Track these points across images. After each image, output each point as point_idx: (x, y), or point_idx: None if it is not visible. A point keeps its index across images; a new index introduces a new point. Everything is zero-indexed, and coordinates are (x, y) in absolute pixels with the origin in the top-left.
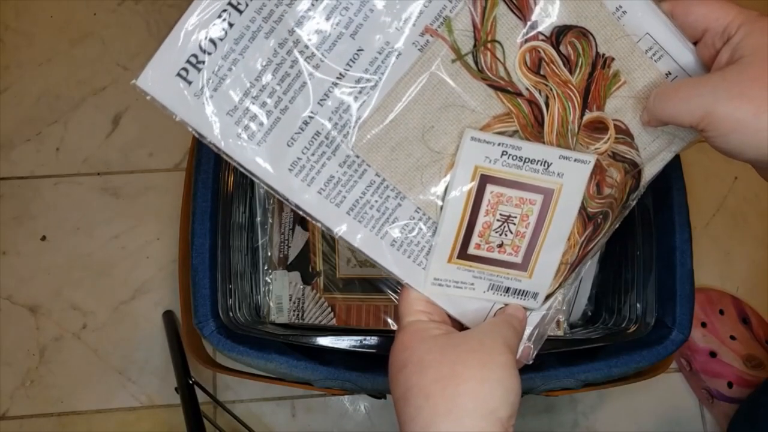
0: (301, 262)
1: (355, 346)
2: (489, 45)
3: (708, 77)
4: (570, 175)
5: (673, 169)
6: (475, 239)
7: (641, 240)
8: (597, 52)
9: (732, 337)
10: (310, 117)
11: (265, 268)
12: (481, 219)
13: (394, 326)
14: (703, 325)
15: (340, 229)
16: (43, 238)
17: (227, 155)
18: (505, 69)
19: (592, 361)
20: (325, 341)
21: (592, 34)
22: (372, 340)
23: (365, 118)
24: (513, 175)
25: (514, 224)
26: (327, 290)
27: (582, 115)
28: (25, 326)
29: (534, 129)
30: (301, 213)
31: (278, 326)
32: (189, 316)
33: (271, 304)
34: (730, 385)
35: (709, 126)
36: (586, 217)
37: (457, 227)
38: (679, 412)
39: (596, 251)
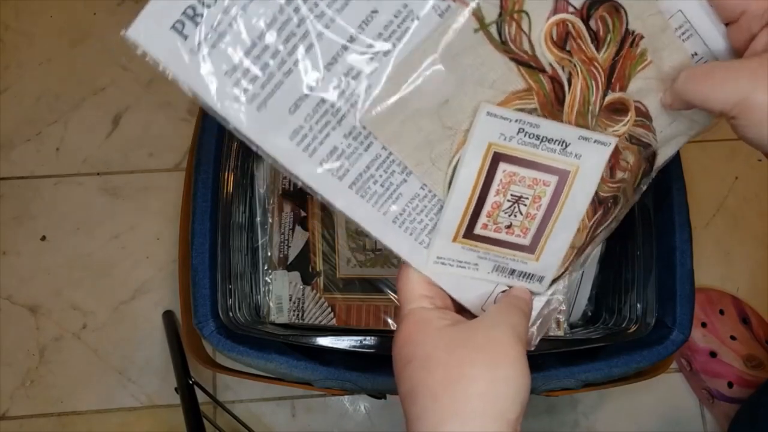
0: (301, 262)
1: (355, 346)
2: (515, 15)
3: (745, 62)
4: (588, 157)
5: (673, 169)
6: (482, 219)
7: (641, 240)
8: (627, 29)
9: (732, 337)
10: (316, 82)
11: (265, 268)
12: (491, 198)
13: (394, 326)
14: (704, 325)
15: (341, 204)
16: (43, 238)
17: (223, 119)
18: (530, 42)
19: (592, 361)
20: (325, 341)
21: (624, 9)
22: (372, 340)
23: (375, 87)
24: (528, 154)
25: (525, 205)
26: (327, 290)
27: (605, 95)
28: (25, 326)
29: (554, 108)
30: (300, 184)
31: (278, 326)
32: (189, 316)
33: (271, 304)
34: (730, 385)
35: (741, 114)
36: (597, 201)
37: (465, 206)
38: (679, 412)
39: (604, 237)
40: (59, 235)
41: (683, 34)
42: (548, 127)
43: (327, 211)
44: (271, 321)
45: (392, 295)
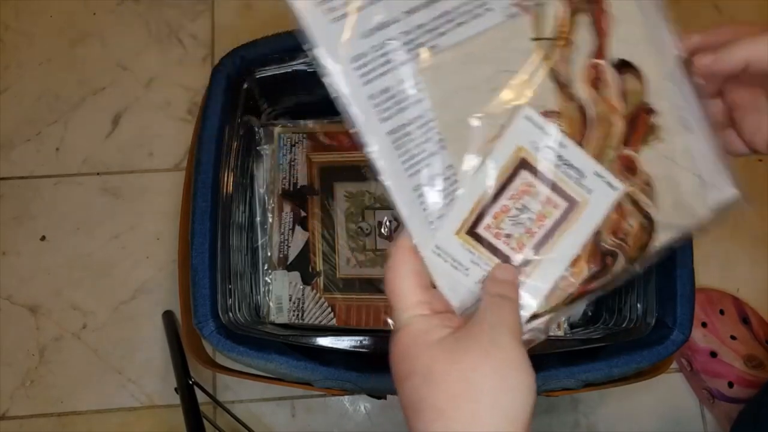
0: (301, 262)
1: (355, 346)
2: (565, 41)
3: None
4: (597, 195)
5: None
6: (488, 219)
7: None
8: (643, 100)
9: (732, 337)
10: (388, 22)
11: (265, 268)
12: (502, 201)
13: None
14: (704, 325)
15: (373, 149)
16: (43, 238)
17: (299, 18)
18: (570, 70)
19: (592, 361)
20: (325, 341)
21: (646, 80)
22: (372, 340)
23: (442, 46)
24: (548, 171)
25: (531, 220)
26: (327, 290)
27: (619, 146)
28: (25, 326)
29: (575, 140)
30: (340, 106)
31: (278, 326)
32: (189, 316)
33: (271, 304)
34: (730, 385)
35: None
36: (598, 249)
37: (477, 200)
38: (679, 412)
39: (597, 294)
40: (59, 235)
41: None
42: (573, 152)
43: (327, 212)
44: (271, 321)
45: None
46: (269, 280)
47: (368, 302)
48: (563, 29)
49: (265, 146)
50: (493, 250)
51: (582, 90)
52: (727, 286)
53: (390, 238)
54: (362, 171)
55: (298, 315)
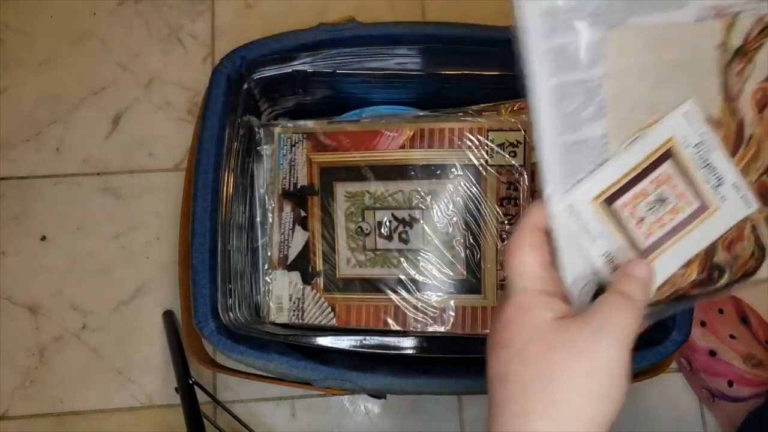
0: (301, 262)
1: (355, 346)
2: (748, 57)
3: None
4: (729, 206)
5: None
6: (626, 198)
7: None
8: None
9: (732, 336)
10: None
11: (265, 268)
12: (644, 185)
13: (394, 326)
14: (703, 324)
15: (536, 97)
16: (43, 238)
17: None
18: (742, 86)
19: None
20: (325, 341)
21: None
22: (372, 340)
23: (629, 24)
24: (691, 169)
25: (664, 210)
26: (327, 290)
27: (763, 173)
28: (25, 326)
29: (725, 150)
30: (520, 57)
31: (278, 326)
32: (189, 316)
33: (271, 304)
34: (730, 384)
35: None
36: (709, 260)
37: (623, 174)
38: (679, 411)
39: (690, 304)
40: (59, 235)
41: None
42: (718, 158)
43: (327, 212)
44: (272, 321)
45: (392, 296)
46: (269, 280)
47: (368, 302)
48: (750, 45)
49: (265, 146)
50: (623, 229)
51: (746, 108)
52: None
53: (390, 237)
54: (362, 171)
55: (298, 315)
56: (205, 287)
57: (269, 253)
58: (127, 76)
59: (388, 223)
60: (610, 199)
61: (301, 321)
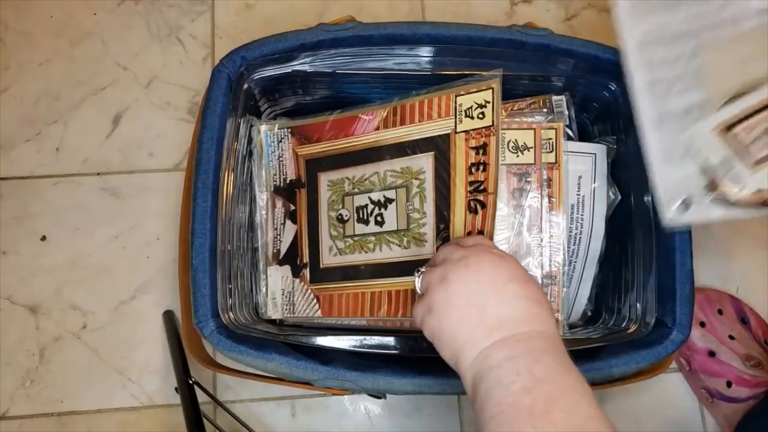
0: (291, 256)
1: (355, 346)
2: None
3: None
4: None
5: None
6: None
7: (641, 240)
8: None
9: (731, 337)
10: None
11: (261, 266)
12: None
13: (368, 316)
14: (702, 324)
15: (631, 55)
16: (43, 238)
17: None
18: None
19: (592, 361)
20: (325, 341)
21: None
22: (372, 340)
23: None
24: None
25: None
26: (312, 281)
27: None
28: (25, 326)
29: None
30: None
31: (278, 326)
32: (189, 316)
33: (267, 299)
34: (729, 384)
35: None
36: None
37: (746, 109)
38: (679, 412)
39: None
40: (59, 235)
41: None
42: None
43: (312, 203)
44: (268, 317)
45: (369, 282)
46: (264, 277)
47: (348, 290)
48: None
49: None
50: (741, 150)
51: None
52: (726, 285)
53: (367, 221)
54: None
55: (290, 309)
56: (205, 287)
57: (266, 251)
58: (127, 76)
59: (365, 208)
60: (731, 126)
61: (292, 315)
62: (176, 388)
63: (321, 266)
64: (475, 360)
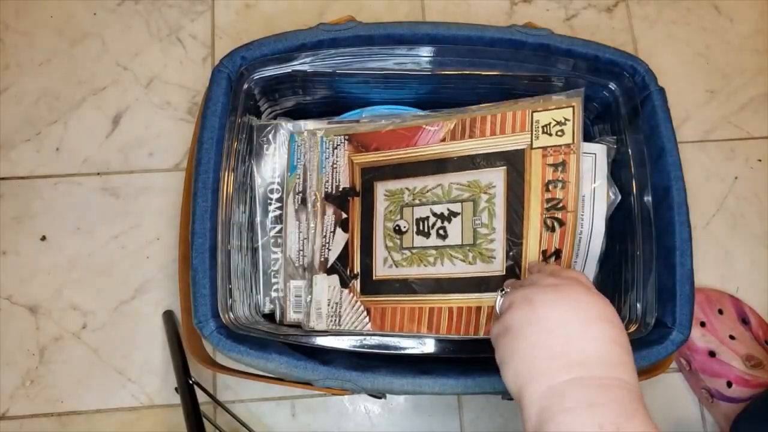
0: (339, 266)
1: (355, 346)
2: None
3: None
4: None
5: (673, 169)
6: None
7: (641, 240)
8: None
9: (731, 337)
10: None
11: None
12: None
13: (427, 332)
14: (702, 324)
15: None
16: (43, 238)
17: None
18: None
19: None
20: (325, 341)
21: None
22: (372, 340)
23: None
24: None
25: None
26: (363, 293)
27: None
28: (25, 326)
29: None
30: None
31: (278, 326)
32: (189, 316)
33: (311, 309)
34: (729, 384)
35: None
36: None
37: None
38: (679, 412)
39: None
40: (59, 235)
41: None
42: None
43: (367, 211)
44: (311, 328)
45: (428, 297)
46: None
47: (403, 304)
48: None
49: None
50: None
51: None
52: (726, 285)
53: (428, 234)
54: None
55: (335, 321)
56: (205, 287)
57: (312, 257)
58: (127, 76)
59: (426, 220)
60: None
61: (338, 327)
62: (176, 388)
63: (374, 278)
64: (544, 394)
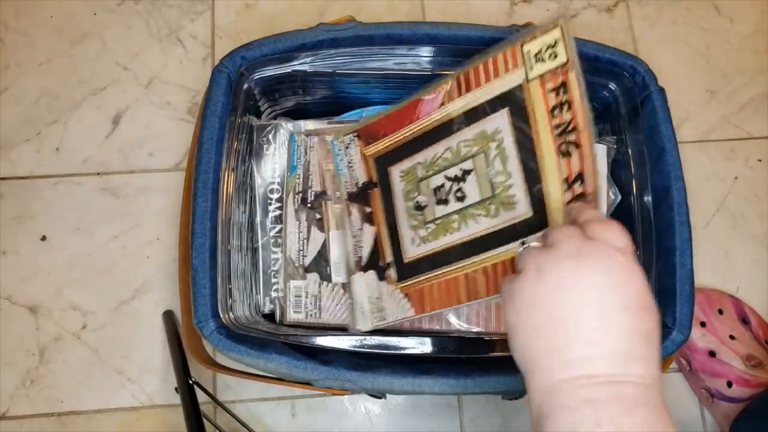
0: (374, 260)
1: (355, 346)
2: None
3: None
4: None
5: (673, 169)
6: None
7: (641, 240)
8: None
9: (731, 337)
10: None
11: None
12: None
13: (466, 301)
14: (702, 324)
15: None
16: (43, 238)
17: None
18: None
19: None
20: (325, 341)
21: None
22: (372, 340)
23: None
24: None
25: None
26: (399, 279)
27: None
28: (25, 326)
29: None
30: None
31: (278, 326)
32: (189, 316)
33: (355, 311)
34: (729, 384)
35: None
36: None
37: None
38: (679, 412)
39: None
40: (59, 235)
41: None
42: None
43: (387, 198)
44: (358, 330)
45: (459, 264)
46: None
47: (439, 278)
48: None
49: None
50: None
51: None
52: (726, 285)
53: (446, 201)
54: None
55: (380, 316)
56: (205, 287)
57: (347, 260)
58: (127, 76)
59: (442, 187)
60: None
61: (384, 321)
62: (176, 388)
63: (405, 261)
64: (544, 391)
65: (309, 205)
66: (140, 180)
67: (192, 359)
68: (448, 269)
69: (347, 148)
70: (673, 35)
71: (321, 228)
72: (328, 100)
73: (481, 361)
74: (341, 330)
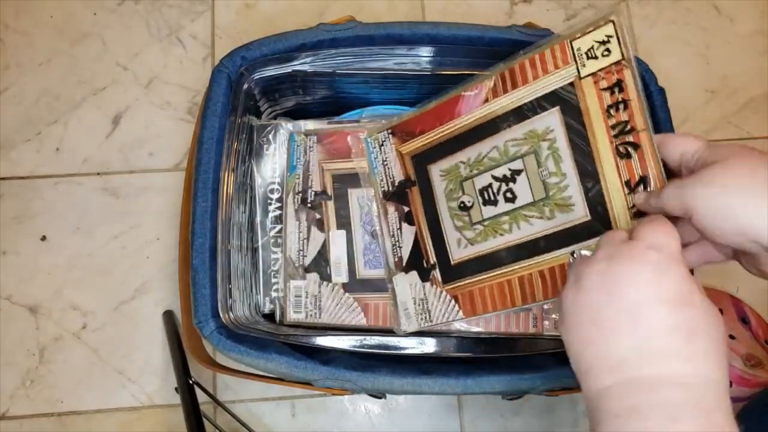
0: (415, 260)
1: (355, 346)
2: None
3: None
4: None
5: None
6: None
7: None
8: None
9: (731, 337)
10: None
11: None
12: None
13: (521, 303)
14: None
15: None
16: (43, 238)
17: None
18: None
19: None
20: (325, 341)
21: None
22: (372, 340)
23: None
24: None
25: None
26: (446, 281)
27: None
28: (25, 326)
29: None
30: None
31: (278, 326)
32: (189, 316)
33: (399, 312)
34: (729, 384)
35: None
36: None
37: None
38: None
39: None
40: (59, 235)
41: None
42: None
43: (427, 197)
44: (404, 332)
45: (512, 266)
46: (390, 287)
47: (490, 281)
48: None
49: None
50: None
51: None
52: (726, 285)
53: (495, 202)
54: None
55: (425, 317)
56: (205, 287)
57: (387, 260)
58: (127, 76)
59: (489, 187)
60: None
61: (430, 323)
62: (176, 388)
63: (452, 263)
64: (594, 396)
65: (309, 205)
66: (140, 180)
67: (192, 359)
68: (500, 272)
69: (381, 145)
70: (673, 35)
71: (321, 228)
72: (328, 100)
73: (481, 361)
74: (341, 330)
